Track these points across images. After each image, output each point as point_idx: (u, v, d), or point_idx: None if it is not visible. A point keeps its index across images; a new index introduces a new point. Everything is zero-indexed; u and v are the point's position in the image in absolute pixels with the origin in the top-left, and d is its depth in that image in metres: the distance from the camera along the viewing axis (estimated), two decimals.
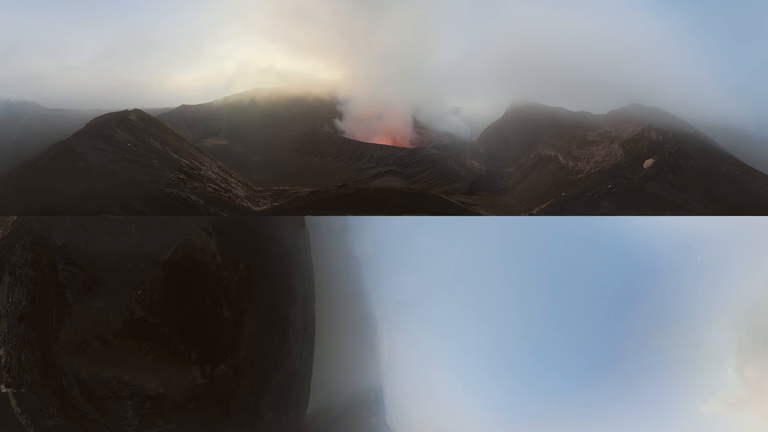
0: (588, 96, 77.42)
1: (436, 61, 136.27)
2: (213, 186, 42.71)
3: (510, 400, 49.44)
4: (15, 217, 25.58)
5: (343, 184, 54.40)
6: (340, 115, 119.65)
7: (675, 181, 42.26)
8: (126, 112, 47.06)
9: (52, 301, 23.75)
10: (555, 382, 49.37)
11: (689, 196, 40.05)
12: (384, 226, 44.93)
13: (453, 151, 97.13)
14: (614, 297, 47.65)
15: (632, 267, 47.04)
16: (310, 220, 36.83)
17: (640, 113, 63.56)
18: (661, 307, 46.37)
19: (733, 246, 44.19)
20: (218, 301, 25.68)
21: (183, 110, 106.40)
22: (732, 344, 44.75)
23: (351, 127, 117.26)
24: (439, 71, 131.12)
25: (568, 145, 63.87)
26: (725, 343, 44.92)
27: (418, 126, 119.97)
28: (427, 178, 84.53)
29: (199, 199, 36.13)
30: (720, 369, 44.88)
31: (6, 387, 23.49)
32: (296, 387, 31.65)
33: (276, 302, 29.69)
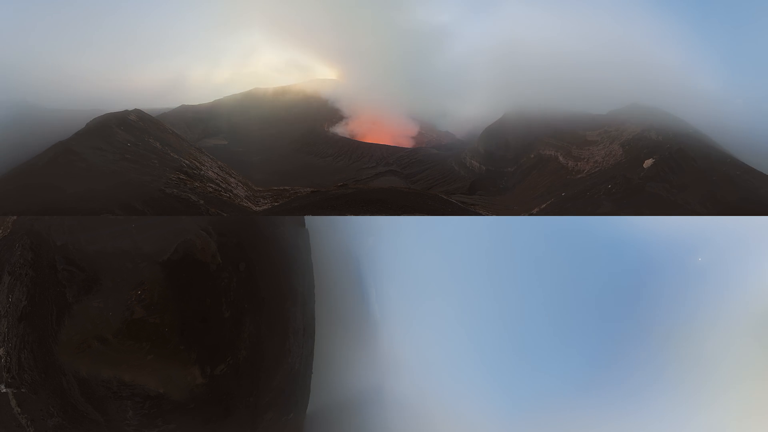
0: (588, 96, 77.37)
1: (436, 61, 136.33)
2: (213, 186, 42.71)
3: (510, 401, 49.41)
4: (15, 217, 25.56)
5: (343, 184, 54.42)
6: (340, 115, 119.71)
7: (675, 181, 42.32)
8: (126, 112, 47.07)
9: (52, 301, 23.74)
10: (554, 383, 49.33)
11: (689, 196, 40.10)
12: (384, 226, 44.88)
13: (453, 151, 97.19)
14: (614, 297, 47.62)
15: (632, 267, 46.99)
16: (310, 220, 36.79)
17: (640, 113, 63.62)
18: (661, 309, 46.33)
19: (734, 247, 44.14)
20: (218, 301, 25.67)
21: (183, 110, 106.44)
22: (733, 348, 44.64)
23: (351, 127, 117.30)
24: (439, 71, 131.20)
25: (568, 145, 63.91)
26: (726, 346, 44.84)
27: (417, 126, 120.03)
28: (427, 178, 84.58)
29: (199, 199, 36.12)
30: (721, 375, 44.75)
31: (6, 387, 23.49)
32: (296, 387, 31.65)
33: (276, 302, 29.69)
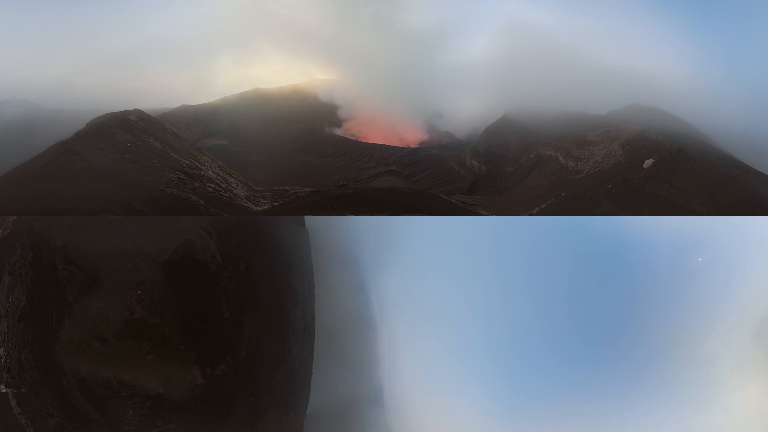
0: (588, 96, 77.41)
1: (436, 61, 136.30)
2: (213, 186, 42.70)
3: (509, 400, 49.43)
4: (15, 217, 25.57)
5: (343, 184, 54.36)
6: (340, 115, 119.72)
7: (675, 181, 42.28)
8: (126, 112, 47.00)
9: (52, 301, 23.74)
10: (554, 383, 49.36)
11: (689, 196, 40.06)
12: (384, 226, 44.88)
13: (453, 151, 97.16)
14: (613, 297, 47.64)
15: (632, 267, 47.01)
16: (310, 220, 36.80)
17: (640, 113, 63.67)
18: (660, 309, 46.34)
19: (734, 247, 44.14)
20: (218, 301, 25.68)
21: (183, 110, 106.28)
22: (732, 348, 44.66)
23: (351, 127, 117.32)
24: (439, 71, 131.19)
25: (568, 145, 63.89)
26: (726, 346, 44.85)
27: (417, 126, 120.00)
28: (427, 178, 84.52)
29: (199, 199, 36.12)
30: (720, 375, 44.75)
31: (6, 387, 23.49)
32: (296, 387, 31.66)
33: (276, 302, 29.70)
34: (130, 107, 49.23)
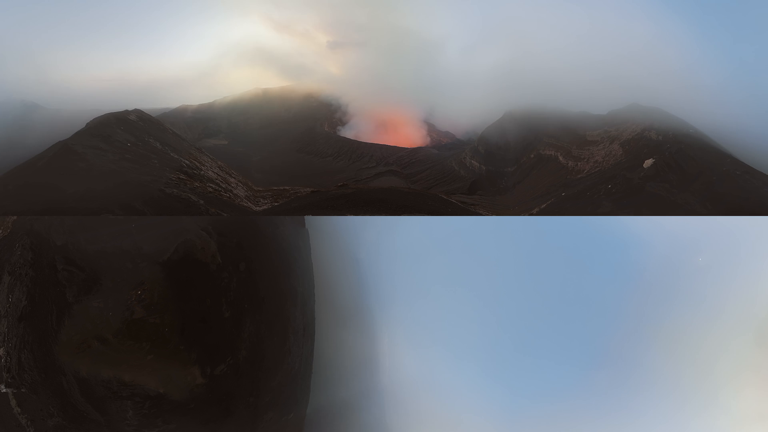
0: (588, 96, 77.50)
1: (437, 61, 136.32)
2: (213, 186, 42.70)
3: (509, 399, 49.44)
4: (15, 217, 25.57)
5: (343, 184, 54.36)
6: (340, 115, 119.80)
7: (675, 181, 42.31)
8: (126, 112, 47.03)
9: (52, 301, 23.74)
10: (553, 383, 49.36)
11: (689, 196, 40.10)
12: (384, 226, 44.87)
13: (453, 151, 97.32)
14: (613, 298, 47.64)
15: (632, 268, 46.99)
16: (310, 220, 36.80)
17: (640, 113, 63.66)
18: (660, 309, 46.34)
19: (734, 247, 44.11)
20: (218, 301, 25.67)
21: (183, 110, 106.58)
22: (732, 348, 44.64)
23: (351, 127, 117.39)
24: (440, 71, 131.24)
25: (568, 145, 63.96)
26: (726, 347, 44.83)
27: (418, 126, 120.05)
28: (427, 178, 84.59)
29: (199, 199, 36.13)
30: (720, 376, 44.74)
31: (6, 387, 23.50)
32: (296, 387, 31.65)
33: (276, 302, 29.69)
34: (130, 107, 49.29)
